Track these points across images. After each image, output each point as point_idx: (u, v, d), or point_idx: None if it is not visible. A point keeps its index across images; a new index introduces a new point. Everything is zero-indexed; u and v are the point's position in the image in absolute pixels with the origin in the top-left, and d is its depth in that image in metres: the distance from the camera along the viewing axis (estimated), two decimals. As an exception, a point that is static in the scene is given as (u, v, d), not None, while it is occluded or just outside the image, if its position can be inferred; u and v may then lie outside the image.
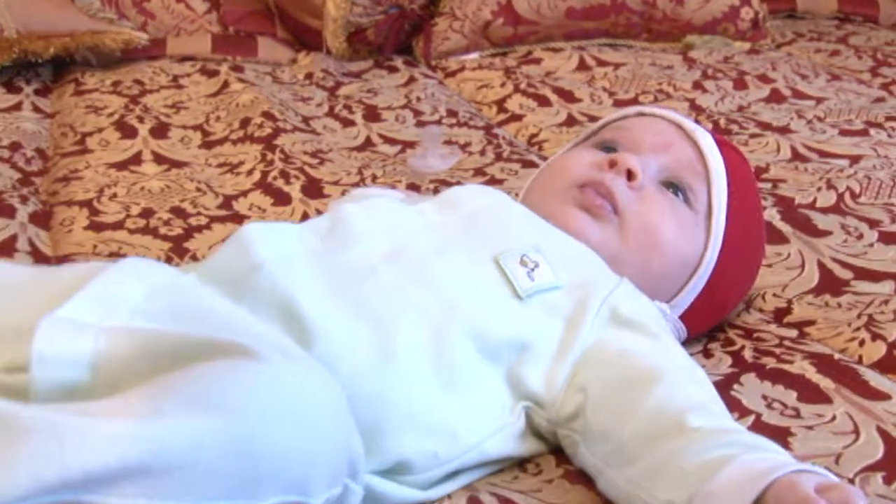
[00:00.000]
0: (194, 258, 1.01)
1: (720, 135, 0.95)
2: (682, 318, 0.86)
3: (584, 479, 0.70)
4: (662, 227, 0.84)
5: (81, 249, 1.03)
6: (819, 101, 1.47)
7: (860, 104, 1.45)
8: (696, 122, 0.94)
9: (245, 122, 1.38)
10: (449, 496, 0.68)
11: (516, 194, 0.91)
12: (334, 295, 0.72)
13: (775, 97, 1.50)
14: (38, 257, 1.01)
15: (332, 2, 1.72)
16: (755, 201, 0.93)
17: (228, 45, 1.74)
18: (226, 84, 1.56)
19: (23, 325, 0.62)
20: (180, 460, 0.53)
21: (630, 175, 0.84)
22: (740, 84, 1.56)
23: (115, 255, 1.01)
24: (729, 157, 0.89)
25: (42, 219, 1.11)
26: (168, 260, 1.01)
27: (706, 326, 0.90)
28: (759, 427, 0.76)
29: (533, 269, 0.77)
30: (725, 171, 0.87)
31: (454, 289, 0.74)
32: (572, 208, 0.84)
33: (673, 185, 0.86)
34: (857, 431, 0.75)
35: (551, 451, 0.74)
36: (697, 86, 1.55)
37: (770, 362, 0.85)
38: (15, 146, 1.30)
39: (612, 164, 0.84)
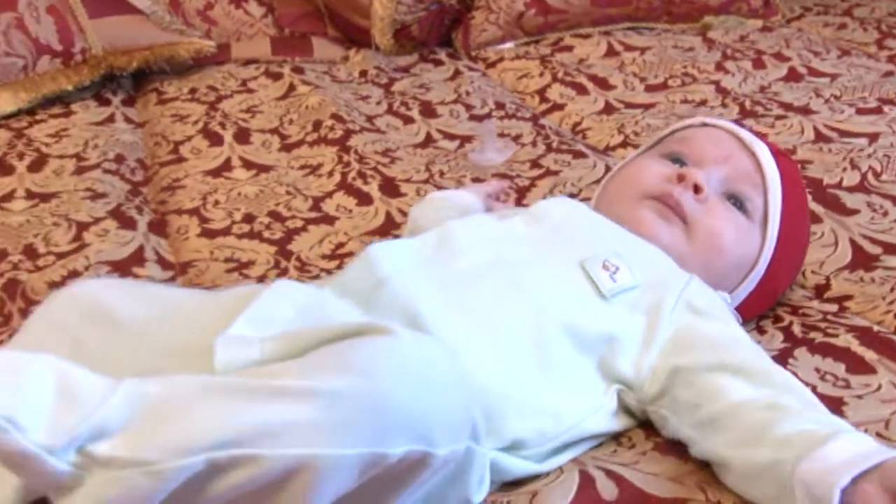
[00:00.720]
0: (299, 260, 1.09)
1: (776, 146, 1.01)
2: (738, 307, 0.94)
3: (674, 449, 0.78)
4: (723, 235, 0.91)
5: (200, 256, 1.11)
6: (833, 77, 1.53)
7: (871, 79, 1.51)
8: (754, 133, 1.00)
9: (317, 125, 1.45)
10: (561, 469, 0.77)
11: (587, 198, 0.99)
12: (448, 300, 0.81)
13: (793, 76, 1.56)
14: (165, 265, 1.09)
15: (379, 2, 1.79)
16: (804, 204, 1.00)
17: (286, 46, 1.81)
18: (292, 87, 1.62)
19: (200, 343, 0.71)
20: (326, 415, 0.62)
21: (696, 189, 0.91)
22: (759, 63, 1.62)
23: (230, 261, 1.08)
24: (783, 166, 0.96)
25: (158, 228, 1.18)
26: (276, 263, 1.08)
27: (758, 313, 0.97)
28: (818, 398, 0.84)
29: (615, 273, 0.84)
30: (781, 180, 0.95)
31: (547, 292, 0.82)
32: (645, 213, 0.92)
33: (733, 197, 0.93)
34: (899, 397, 0.84)
35: (640, 426, 0.82)
36: (720, 67, 1.61)
37: (818, 336, 0.92)
38: (119, 158, 1.37)
39: (681, 179, 0.92)
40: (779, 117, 1.39)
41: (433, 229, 0.88)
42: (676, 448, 0.78)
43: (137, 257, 1.09)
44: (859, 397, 0.83)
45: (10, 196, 1.25)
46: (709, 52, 1.69)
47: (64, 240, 1.12)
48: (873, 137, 1.30)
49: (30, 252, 1.10)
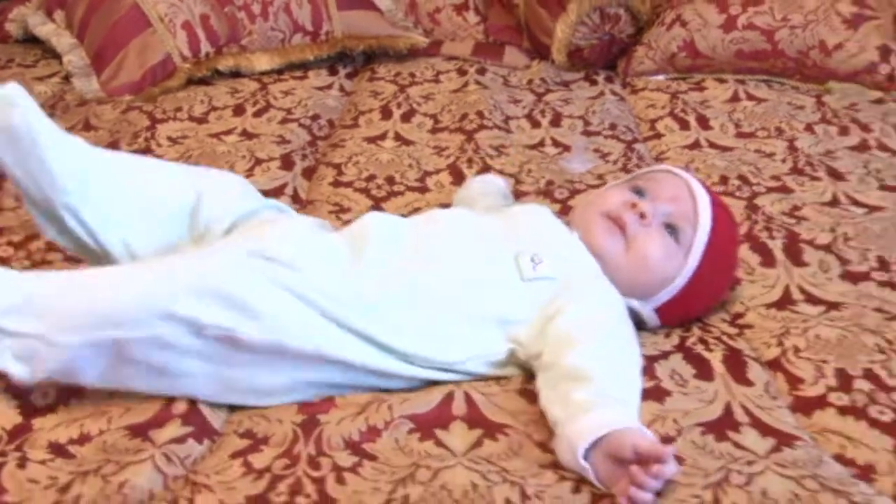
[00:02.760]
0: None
1: (717, 195, 1.15)
2: (658, 311, 1.09)
3: (530, 395, 0.97)
4: (654, 253, 1.06)
5: (321, 197, 1.38)
6: (895, 154, 1.56)
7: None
8: (704, 184, 1.14)
9: (463, 117, 1.68)
10: (439, 387, 0.97)
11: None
12: (397, 243, 1.02)
13: (861, 146, 1.60)
14: (296, 199, 1.38)
15: (560, 26, 1.96)
16: (728, 245, 1.12)
17: (484, 50, 2.03)
18: (467, 83, 1.85)
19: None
20: None
21: (643, 216, 1.07)
22: (844, 130, 1.66)
23: (337, 205, 1.35)
24: (717, 214, 1.10)
25: (308, 173, 1.47)
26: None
27: (677, 321, 1.11)
28: (657, 389, 0.98)
29: (538, 264, 1.03)
30: (711, 222, 1.08)
31: (480, 268, 1.02)
32: (598, 226, 1.09)
33: (670, 227, 1.08)
34: (713, 402, 0.97)
35: (526, 376, 1.01)
36: (808, 128, 1.67)
37: (699, 348, 1.06)
38: (315, 117, 1.67)
39: (634, 206, 1.08)
40: (813, 178, 1.46)
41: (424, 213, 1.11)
42: (533, 395, 0.97)
43: (278, 191, 1.38)
44: (685, 394, 0.98)
45: (228, 132, 1.58)
46: (812, 113, 1.74)
47: (240, 168, 1.43)
48: (874, 209, 1.36)
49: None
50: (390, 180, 1.45)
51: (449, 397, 0.95)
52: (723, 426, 0.93)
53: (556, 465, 0.87)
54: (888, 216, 1.34)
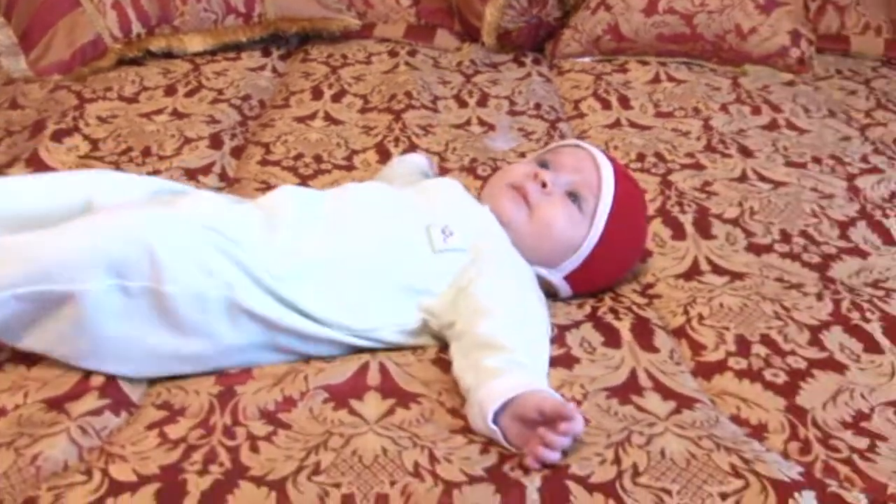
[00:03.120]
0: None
1: (622, 166, 1.16)
2: (568, 279, 1.11)
3: (444, 364, 0.97)
4: (556, 219, 1.07)
5: (248, 176, 1.37)
6: (801, 132, 1.59)
7: (829, 140, 1.56)
8: (609, 155, 1.15)
9: (392, 97, 1.67)
10: (356, 356, 0.97)
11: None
12: (310, 214, 1.01)
13: (771, 125, 1.62)
14: (223, 178, 1.36)
15: (489, 10, 1.96)
16: (633, 215, 1.13)
17: (416, 32, 2.02)
18: (398, 65, 1.85)
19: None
20: None
21: (544, 185, 1.08)
22: (756, 110, 1.69)
23: (263, 183, 1.34)
24: (621, 183, 1.11)
25: (237, 151, 1.46)
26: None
27: (587, 290, 1.12)
28: (567, 357, 0.99)
29: (449, 236, 1.03)
30: (613, 191, 1.09)
31: (393, 238, 1.02)
32: (504, 196, 1.09)
33: (573, 195, 1.09)
34: (619, 367, 0.99)
35: (441, 347, 1.01)
36: (723, 108, 1.70)
37: (608, 317, 1.08)
38: (246, 97, 1.65)
39: (536, 176, 1.09)
40: (725, 155, 1.49)
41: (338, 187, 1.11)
42: (447, 364, 0.97)
43: (206, 169, 1.37)
44: (592, 361, 0.99)
45: (158, 112, 1.55)
46: (727, 94, 1.76)
47: (169, 147, 1.41)
48: (780, 185, 1.38)
49: (146, 151, 1.40)
50: (318, 159, 1.44)
51: (364, 368, 0.95)
52: (627, 390, 0.94)
53: (466, 430, 0.87)
54: (792, 191, 1.36)
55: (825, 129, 1.61)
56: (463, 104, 1.69)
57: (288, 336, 0.95)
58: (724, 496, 0.79)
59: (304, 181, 1.36)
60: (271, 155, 1.44)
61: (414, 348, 1.00)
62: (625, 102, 1.72)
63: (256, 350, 0.95)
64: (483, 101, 1.71)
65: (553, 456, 0.82)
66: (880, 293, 1.12)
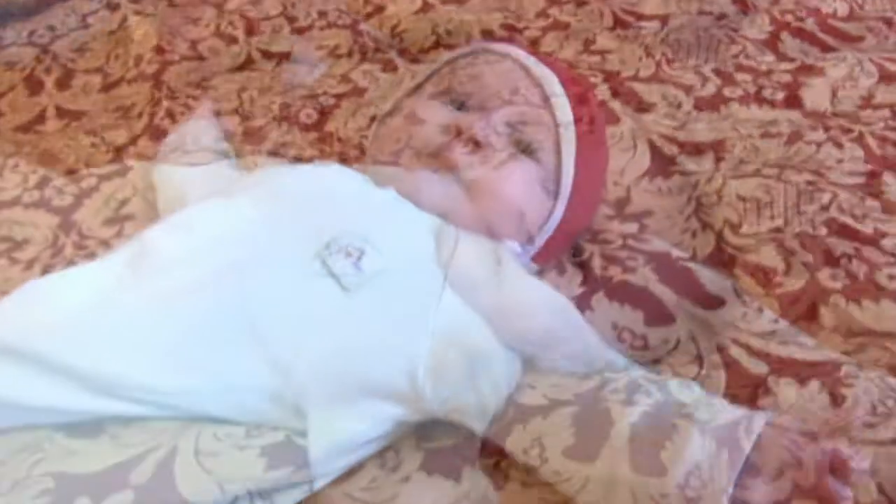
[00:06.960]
0: (80, 235, 0.78)
1: (563, 65, 0.70)
2: (536, 255, 0.65)
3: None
4: (509, 191, 0.60)
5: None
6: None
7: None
8: (540, 55, 0.68)
9: (138, 60, 1.10)
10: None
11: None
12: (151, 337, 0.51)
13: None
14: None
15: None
16: (600, 133, 0.67)
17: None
18: (125, 18, 1.26)
19: None
20: None
21: (475, 144, 0.60)
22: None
23: (5, 238, 0.78)
24: (575, 95, 0.64)
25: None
26: (55, 239, 0.77)
27: (560, 254, 0.68)
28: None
29: (359, 259, 0.55)
30: (573, 115, 0.63)
31: (274, 313, 0.51)
32: (417, 180, 0.59)
33: (520, 143, 0.62)
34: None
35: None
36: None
37: (616, 273, 0.65)
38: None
39: (458, 132, 0.61)
40: (580, 4, 1.06)
41: (128, 243, 0.57)
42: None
43: None
44: (657, 361, 0.56)
45: None
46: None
47: None
48: (664, 20, 0.98)
49: None
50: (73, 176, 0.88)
51: None
52: None
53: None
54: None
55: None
56: (231, 40, 1.15)
57: None
58: None
59: (64, 218, 0.81)
60: (1, 193, 0.86)
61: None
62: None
63: None
64: (252, 28, 1.17)
65: None
66: None
